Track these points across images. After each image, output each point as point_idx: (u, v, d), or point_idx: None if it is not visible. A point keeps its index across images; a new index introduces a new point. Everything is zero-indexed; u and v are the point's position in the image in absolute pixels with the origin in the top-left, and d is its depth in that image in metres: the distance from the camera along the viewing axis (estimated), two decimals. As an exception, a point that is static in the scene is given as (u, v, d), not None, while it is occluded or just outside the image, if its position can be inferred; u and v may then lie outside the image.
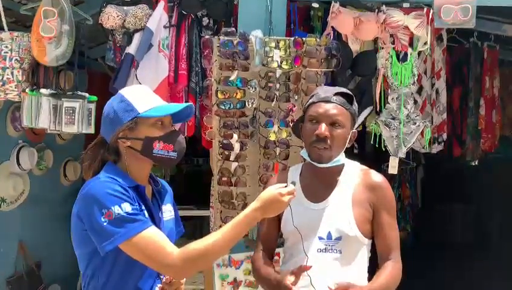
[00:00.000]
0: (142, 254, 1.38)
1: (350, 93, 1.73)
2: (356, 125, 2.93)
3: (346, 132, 1.67)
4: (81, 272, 1.49)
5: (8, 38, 2.81)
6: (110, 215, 1.35)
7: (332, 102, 1.66)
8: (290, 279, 1.57)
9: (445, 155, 4.04)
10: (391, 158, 2.79)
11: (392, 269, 1.65)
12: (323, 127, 1.63)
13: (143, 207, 1.46)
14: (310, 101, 1.72)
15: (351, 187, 1.69)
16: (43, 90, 2.83)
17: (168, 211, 1.59)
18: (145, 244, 1.37)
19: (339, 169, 1.72)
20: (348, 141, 1.71)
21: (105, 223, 1.35)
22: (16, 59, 2.82)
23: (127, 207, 1.37)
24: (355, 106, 1.73)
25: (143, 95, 1.52)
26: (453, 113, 3.89)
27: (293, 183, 1.55)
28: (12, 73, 2.80)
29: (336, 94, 1.68)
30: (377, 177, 1.73)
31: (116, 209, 1.35)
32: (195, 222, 4.48)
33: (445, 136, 3.63)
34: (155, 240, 1.38)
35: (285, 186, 1.52)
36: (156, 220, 1.49)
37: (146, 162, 1.51)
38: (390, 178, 1.96)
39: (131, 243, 1.37)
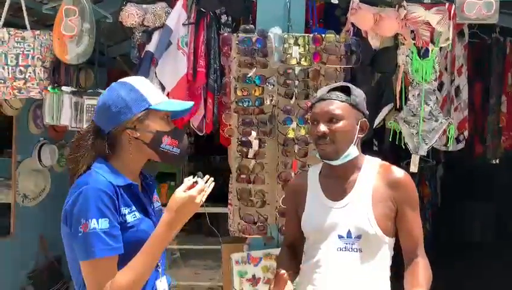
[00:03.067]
0: (90, 277, 1.36)
1: (347, 85, 1.73)
2: (377, 122, 2.93)
3: (347, 123, 1.65)
4: (73, 280, 1.45)
5: (30, 37, 2.86)
6: (85, 228, 1.33)
7: (327, 99, 1.67)
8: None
9: (466, 153, 3.97)
10: (413, 156, 2.76)
11: (425, 265, 1.64)
12: (320, 126, 1.65)
13: (133, 207, 1.43)
14: (311, 104, 1.76)
15: (371, 184, 1.67)
16: (64, 88, 2.88)
17: (156, 202, 1.58)
18: (98, 270, 1.34)
19: (357, 166, 1.70)
20: (357, 132, 1.68)
21: (80, 234, 1.33)
22: (38, 57, 2.86)
23: (103, 224, 1.33)
24: (356, 95, 1.70)
25: (152, 87, 1.50)
26: (474, 110, 3.81)
27: (199, 175, 1.45)
28: (34, 71, 2.85)
29: (331, 90, 1.70)
30: (398, 173, 1.70)
31: (92, 223, 1.33)
32: (211, 219, 4.50)
33: (466, 133, 3.57)
34: (108, 271, 1.35)
35: (193, 184, 1.40)
36: (150, 215, 1.48)
37: (146, 156, 1.48)
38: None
39: (89, 263, 1.35)
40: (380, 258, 1.65)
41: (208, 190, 1.44)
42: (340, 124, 1.64)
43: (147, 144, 1.45)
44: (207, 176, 1.45)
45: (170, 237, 1.40)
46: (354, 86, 1.73)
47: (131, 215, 1.42)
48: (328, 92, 1.69)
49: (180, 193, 1.40)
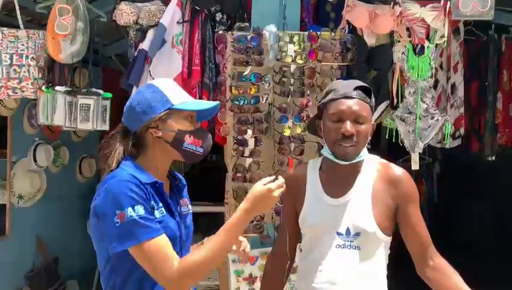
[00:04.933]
0: (145, 262, 1.38)
1: (367, 86, 1.70)
2: (373, 120, 2.93)
3: (369, 126, 1.65)
4: (100, 269, 1.49)
5: (24, 36, 2.85)
6: (122, 217, 1.36)
7: (354, 98, 1.62)
8: None
9: (462, 150, 3.97)
10: (412, 154, 2.76)
11: (451, 267, 1.66)
12: (348, 125, 1.59)
13: (160, 204, 1.45)
14: (329, 97, 1.67)
15: (371, 182, 1.66)
16: (58, 88, 2.86)
17: (185, 206, 1.60)
18: (150, 253, 1.37)
19: (358, 163, 1.69)
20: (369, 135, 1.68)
21: (117, 225, 1.36)
22: (32, 57, 2.85)
23: (140, 210, 1.37)
24: (373, 98, 1.71)
25: (175, 88, 1.54)
26: (470, 107, 3.82)
27: (279, 174, 1.51)
28: (28, 70, 2.84)
29: (355, 88, 1.65)
30: (397, 170, 1.69)
31: (129, 211, 1.36)
32: (209, 218, 4.50)
33: (462, 130, 3.57)
34: (160, 250, 1.38)
35: (274, 180, 1.47)
36: (174, 216, 1.50)
37: (171, 155, 1.51)
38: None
39: (137, 248, 1.37)
40: (378, 256, 1.65)
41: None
42: (365, 126, 1.62)
43: (169, 143, 1.48)
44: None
45: (245, 224, 1.45)
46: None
47: (159, 211, 1.44)
48: (353, 90, 1.64)
49: (259, 186, 1.45)
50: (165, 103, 1.46)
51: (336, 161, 1.65)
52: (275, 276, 1.79)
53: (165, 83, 1.54)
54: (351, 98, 1.62)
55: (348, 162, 1.64)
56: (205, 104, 1.56)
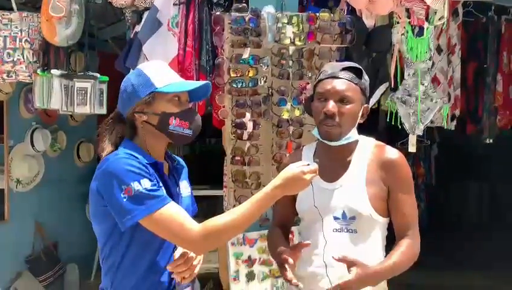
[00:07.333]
0: (163, 230, 1.40)
1: (359, 66, 1.69)
2: (372, 102, 2.91)
3: (355, 107, 1.64)
4: (99, 247, 1.51)
5: (17, 19, 2.80)
6: (129, 192, 1.37)
7: (340, 78, 1.62)
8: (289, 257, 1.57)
9: (460, 133, 3.97)
10: (410, 136, 2.75)
11: (405, 248, 1.62)
12: (330, 105, 1.60)
13: (161, 184, 1.46)
14: (318, 78, 1.69)
15: (365, 165, 1.66)
16: (54, 71, 2.83)
17: (184, 188, 1.60)
18: (166, 220, 1.39)
19: (352, 146, 1.69)
20: (359, 117, 1.67)
21: (125, 199, 1.37)
22: (26, 40, 2.80)
23: (146, 183, 1.38)
24: (365, 79, 1.69)
25: (161, 70, 1.52)
26: (467, 89, 3.80)
27: (316, 161, 1.52)
28: (22, 54, 2.79)
29: (344, 69, 1.65)
30: (391, 153, 1.67)
31: (135, 186, 1.37)
32: (209, 201, 4.52)
33: (458, 112, 3.57)
34: (174, 216, 1.40)
35: (308, 164, 1.48)
36: (174, 197, 1.50)
37: (161, 138, 1.51)
38: (405, 155, 1.92)
39: (151, 219, 1.38)
40: (374, 238, 1.66)
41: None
42: (350, 106, 1.61)
43: (155, 127, 1.48)
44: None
45: (273, 199, 1.46)
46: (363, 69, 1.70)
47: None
48: (341, 70, 1.64)
49: (292, 167, 1.46)
50: (149, 87, 1.46)
51: (322, 141, 1.66)
52: (278, 232, 1.79)
53: (151, 65, 1.53)
54: (337, 78, 1.62)
55: (334, 143, 1.64)
56: (190, 84, 1.54)
